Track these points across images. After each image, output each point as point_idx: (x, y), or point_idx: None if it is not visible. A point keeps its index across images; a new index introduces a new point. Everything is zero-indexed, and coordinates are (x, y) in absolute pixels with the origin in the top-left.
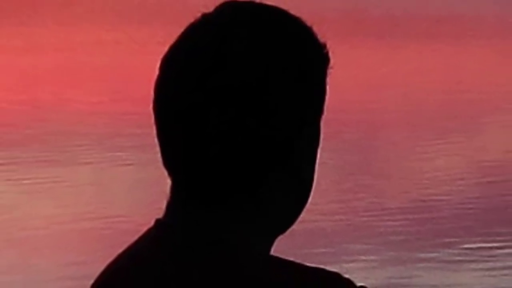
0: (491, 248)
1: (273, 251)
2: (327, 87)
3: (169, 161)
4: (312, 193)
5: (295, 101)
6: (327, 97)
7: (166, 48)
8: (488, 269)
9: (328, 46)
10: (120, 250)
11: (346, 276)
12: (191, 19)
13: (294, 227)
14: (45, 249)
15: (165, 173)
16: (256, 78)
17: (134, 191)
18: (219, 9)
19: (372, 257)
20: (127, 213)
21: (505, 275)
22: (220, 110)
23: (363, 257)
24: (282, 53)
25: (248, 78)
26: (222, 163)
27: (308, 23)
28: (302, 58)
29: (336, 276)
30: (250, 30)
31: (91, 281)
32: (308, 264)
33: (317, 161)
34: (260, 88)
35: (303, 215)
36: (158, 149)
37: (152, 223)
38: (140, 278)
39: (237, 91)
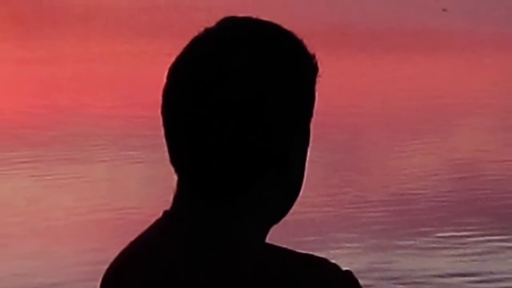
0: (461, 236)
1: (268, 239)
2: (316, 94)
3: (176, 161)
4: (302, 188)
5: (289, 113)
6: (316, 103)
7: (172, 59)
8: (459, 255)
9: (317, 57)
10: (132, 238)
11: (333, 261)
12: (195, 33)
13: (287, 217)
14: (65, 238)
15: (172, 170)
16: (255, 94)
17: (144, 186)
18: (220, 25)
19: (356, 244)
20: (138, 205)
21: (474, 260)
22: (221, 124)
23: (348, 245)
24: (277, 69)
25: (247, 94)
26: (223, 169)
27: (300, 37)
28: (295, 73)
29: (324, 261)
30: (249, 46)
31: (106, 266)
32: (299, 251)
33: (307, 159)
34: (259, 103)
35: (294, 207)
36: (165, 149)
37: (160, 214)
38: (150, 264)
39: (237, 107)
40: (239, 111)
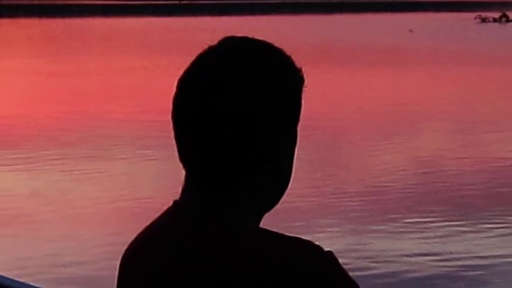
0: (425, 222)
1: (262, 224)
2: (303, 102)
3: (183, 159)
4: (291, 182)
5: (278, 120)
6: (302, 109)
7: (181, 72)
8: (423, 238)
9: (303, 70)
10: (146, 224)
11: (317, 243)
12: (200, 50)
13: (278, 206)
14: (90, 223)
15: (180, 166)
16: (248, 105)
17: (157, 179)
18: (221, 43)
19: (336, 229)
20: (152, 196)
21: (436, 242)
22: (221, 129)
23: (329, 229)
24: (268, 83)
25: (242, 104)
26: (222, 166)
27: (288, 53)
28: (284, 86)
29: (309, 243)
30: (244, 62)
31: (125, 247)
32: (288, 234)
33: (295, 157)
34: (252, 113)
35: (284, 198)
36: (175, 148)
37: (170, 203)
38: (161, 244)
39: (233, 115)
40: (235, 119)
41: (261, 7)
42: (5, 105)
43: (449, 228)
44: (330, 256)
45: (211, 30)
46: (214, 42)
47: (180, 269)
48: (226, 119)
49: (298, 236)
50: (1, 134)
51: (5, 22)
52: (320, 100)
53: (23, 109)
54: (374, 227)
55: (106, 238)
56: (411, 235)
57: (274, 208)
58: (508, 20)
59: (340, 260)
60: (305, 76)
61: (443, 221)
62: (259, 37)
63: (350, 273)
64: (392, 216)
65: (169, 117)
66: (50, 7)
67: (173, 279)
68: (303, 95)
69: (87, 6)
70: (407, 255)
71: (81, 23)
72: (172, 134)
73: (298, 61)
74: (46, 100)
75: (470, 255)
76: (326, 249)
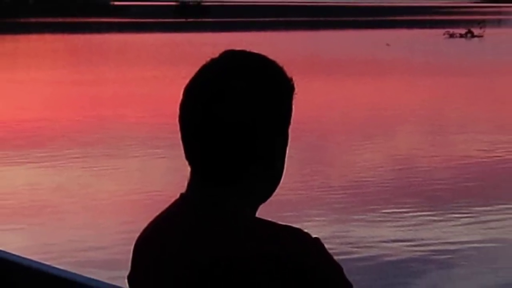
0: (400, 212)
1: (258, 214)
2: (293, 107)
3: (189, 157)
4: (283, 177)
5: (272, 124)
6: (293, 114)
7: (187, 81)
8: (398, 226)
9: (294, 79)
10: (157, 214)
11: (306, 230)
12: (203, 62)
13: (271, 198)
14: (108, 213)
15: (186, 163)
16: (245, 111)
17: (166, 175)
18: (222, 56)
19: (322, 218)
20: (162, 189)
21: (410, 230)
22: (221, 132)
23: (316, 218)
24: (263, 91)
25: (239, 111)
26: (223, 164)
27: (281, 65)
28: (277, 94)
29: (299, 230)
30: (242, 73)
31: (138, 234)
32: (280, 222)
33: (287, 155)
34: (248, 119)
35: (277, 191)
36: (181, 148)
37: (177, 195)
38: (170, 233)
39: (232, 120)
40: (234, 124)
41: (257, 24)
42: (33, 110)
43: (421, 218)
44: (317, 242)
45: (213, 44)
46: (216, 54)
47: (187, 253)
48: (226, 124)
49: (289, 224)
50: (29, 135)
51: (33, 37)
52: (309, 106)
53: (49, 114)
54: (355, 217)
55: (121, 226)
56: (388, 224)
57: (268, 200)
58: (473, 36)
59: (326, 246)
60: (295, 85)
61: (416, 211)
62: (255, 50)
63: (335, 257)
64: (371, 207)
65: (176, 120)
66: (72, 24)
67: (180, 263)
68: (294, 102)
69: (104, 23)
70: (384, 241)
71: (100, 38)
72: (179, 135)
73: (290, 72)
74: (68, 106)
75: (439, 241)
76: (313, 235)
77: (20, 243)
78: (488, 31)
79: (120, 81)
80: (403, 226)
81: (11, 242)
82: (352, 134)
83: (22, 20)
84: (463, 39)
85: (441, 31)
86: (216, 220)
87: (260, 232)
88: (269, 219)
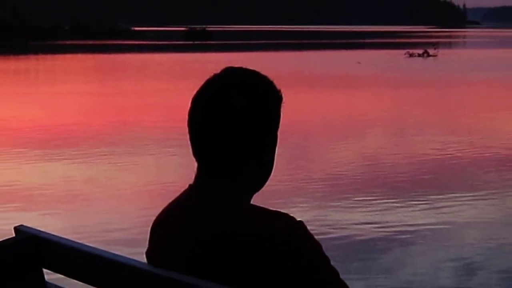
0: (369, 199)
1: (252, 201)
2: (281, 114)
3: (196, 155)
4: (273, 171)
5: (264, 128)
6: (281, 119)
7: (194, 92)
8: (369, 211)
9: (281, 91)
10: (169, 201)
11: (292, 215)
12: (207, 77)
13: (263, 189)
14: (129, 200)
15: (193, 160)
16: (241, 118)
17: (177, 169)
18: (223, 72)
19: (305, 205)
20: (173, 181)
21: (377, 214)
22: (221, 135)
23: (300, 205)
24: (256, 102)
25: (238, 119)
26: (222, 160)
27: (271, 79)
28: (267, 103)
29: (286, 214)
30: (239, 86)
31: (154, 217)
32: (270, 208)
33: (276, 153)
34: (244, 124)
35: (268, 183)
36: (189, 147)
37: (186, 186)
38: (180, 215)
39: (230, 126)
40: (232, 129)
41: (252, 46)
42: (69, 116)
43: (385, 204)
44: (300, 224)
45: (216, 62)
46: (218, 71)
47: (193, 231)
48: (225, 128)
49: (278, 209)
50: (66, 137)
51: (68, 57)
52: (294, 112)
53: (81, 119)
54: (332, 203)
55: (140, 211)
56: (359, 209)
57: (261, 190)
58: (428, 55)
59: (308, 227)
60: (283, 95)
61: (381, 199)
62: (250, 67)
63: (315, 236)
64: (345, 195)
65: (185, 124)
66: (100, 46)
67: (188, 239)
68: (282, 109)
69: (126, 45)
70: (355, 223)
71: (122, 57)
72: (187, 137)
73: (278, 84)
74: (97, 113)
75: (401, 223)
76: (298, 219)
77: (57, 225)
78: (441, 51)
79: (139, 93)
80: (371, 211)
81: (50, 225)
82: (329, 136)
83: (59, 42)
84: (420, 58)
85: (402, 51)
86: (217, 205)
87: (253, 215)
88: (262, 205)
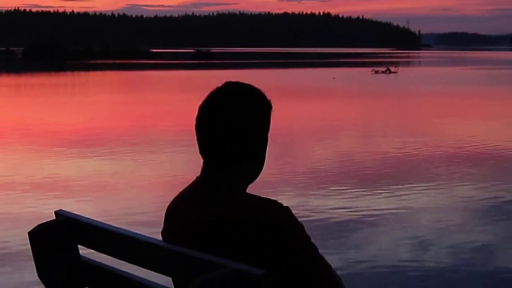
0: (343, 189)
1: (248, 190)
2: (271, 119)
3: (202, 152)
4: (264, 166)
5: (256, 132)
6: (271, 123)
7: (200, 102)
8: (341, 198)
9: (271, 100)
10: (180, 190)
11: (279, 201)
12: (211, 89)
13: (257, 180)
14: (148, 190)
15: (200, 157)
16: (238, 124)
17: (187, 164)
18: (223, 85)
19: (291, 193)
20: (183, 174)
21: (349, 201)
22: (221, 138)
23: (286, 193)
24: (250, 110)
25: (235, 124)
26: (223, 157)
27: (263, 91)
28: (260, 112)
29: (275, 201)
30: (237, 97)
31: (168, 203)
32: (262, 196)
33: (267, 151)
34: (240, 129)
35: (260, 175)
36: (197, 146)
37: (194, 178)
38: (188, 202)
39: (229, 130)
40: (230, 132)
41: (247, 65)
42: (98, 121)
43: (356, 192)
44: (287, 209)
45: (218, 77)
46: (219, 84)
47: (197, 215)
48: (225, 132)
49: (268, 197)
50: (96, 138)
51: (99, 73)
52: (281, 119)
53: (108, 124)
54: (312, 192)
55: (156, 198)
56: (334, 197)
57: (254, 181)
58: (390, 72)
59: (292, 211)
60: (272, 104)
61: (352, 188)
62: (245, 81)
63: (298, 218)
64: (323, 185)
65: (193, 128)
66: (124, 64)
67: (193, 222)
68: (272, 116)
69: (145, 64)
70: (331, 208)
71: (142, 73)
72: (195, 138)
73: (268, 95)
74: (121, 118)
75: (368, 208)
76: (285, 204)
77: (89, 210)
78: (401, 69)
79: (155, 102)
80: (343, 198)
81: (83, 209)
82: (310, 137)
83: (91, 61)
84: (383, 75)
85: (369, 69)
86: (218, 194)
87: (248, 202)
88: (255, 194)
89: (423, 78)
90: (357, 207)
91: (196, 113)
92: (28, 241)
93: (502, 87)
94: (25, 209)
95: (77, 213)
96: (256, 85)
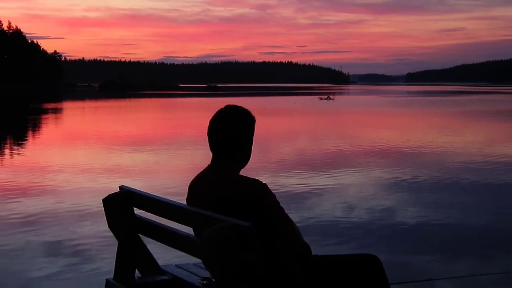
0: (301, 172)
1: (241, 172)
2: (255, 128)
3: (211, 149)
4: (251, 158)
5: (246, 137)
6: (255, 131)
7: (210, 117)
8: (301, 178)
9: (255, 116)
10: (197, 173)
11: (260, 179)
12: (216, 109)
13: (246, 167)
14: (177, 173)
15: (210, 152)
16: (234, 134)
17: (202, 157)
18: (225, 107)
19: (267, 175)
20: (200, 162)
21: (305, 179)
22: (224, 142)
23: (265, 175)
24: (242, 123)
25: (232, 134)
26: (225, 152)
27: (250, 110)
28: (249, 124)
29: (258, 180)
30: (234, 116)
31: (189, 182)
32: (249, 176)
33: (252, 149)
34: (236, 136)
35: (248, 164)
36: (208, 145)
37: (206, 165)
38: (201, 181)
39: (228, 137)
40: (230, 139)
41: (242, 94)
42: (146, 129)
43: (309, 174)
44: (265, 185)
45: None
46: (222, 106)
47: (208, 191)
48: (226, 139)
49: (254, 177)
50: (144, 140)
51: (147, 99)
52: (262, 128)
53: (152, 131)
54: (283, 174)
55: (183, 179)
56: (297, 177)
57: (244, 168)
58: (329, 99)
59: (269, 186)
60: (256, 118)
61: (307, 171)
62: (240, 104)
63: (273, 191)
64: (289, 170)
65: (206, 134)
66: (162, 94)
67: (204, 196)
68: (255, 126)
69: (175, 93)
70: (293, 184)
71: (173, 99)
72: (207, 140)
73: (253, 112)
74: (159, 128)
75: (316, 184)
76: (264, 182)
77: (140, 185)
78: (336, 97)
79: (180, 119)
80: (303, 178)
81: (136, 185)
82: (281, 140)
83: (142, 92)
84: (325, 100)
85: (316, 96)
86: (221, 176)
87: (240, 181)
88: (245, 175)
89: (350, 102)
90: (309, 183)
91: (208, 124)
92: (102, 205)
93: (399, 108)
94: (100, 185)
95: (133, 187)
96: (245, 106)
